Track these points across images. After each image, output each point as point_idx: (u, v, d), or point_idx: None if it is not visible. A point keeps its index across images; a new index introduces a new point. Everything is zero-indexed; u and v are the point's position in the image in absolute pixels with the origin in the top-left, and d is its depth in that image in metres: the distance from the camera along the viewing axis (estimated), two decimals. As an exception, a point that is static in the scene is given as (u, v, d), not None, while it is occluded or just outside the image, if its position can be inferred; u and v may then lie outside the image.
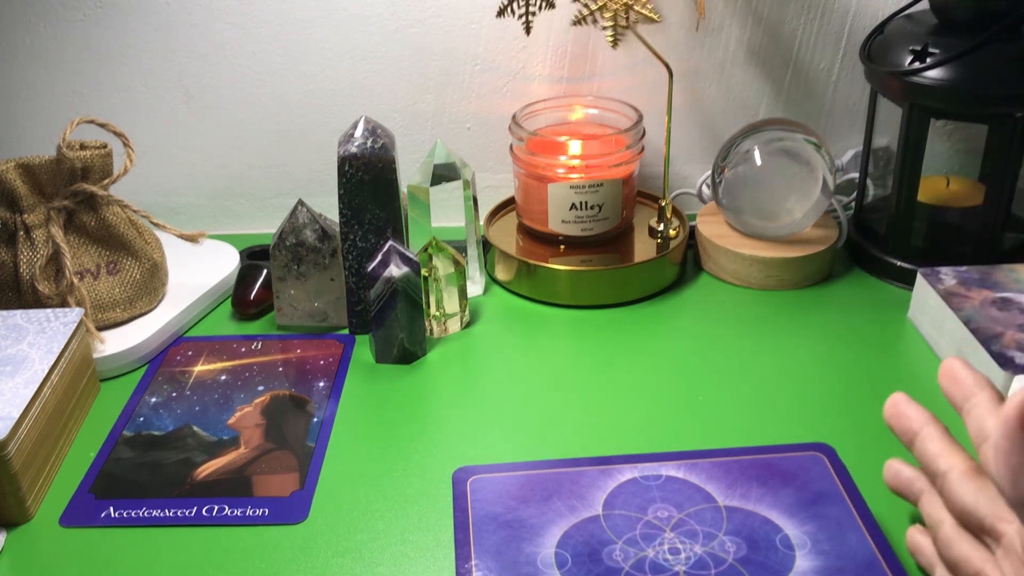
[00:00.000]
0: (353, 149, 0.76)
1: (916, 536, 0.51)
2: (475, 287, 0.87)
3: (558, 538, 0.52)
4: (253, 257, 0.90)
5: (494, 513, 0.56)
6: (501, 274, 0.88)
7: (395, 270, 0.74)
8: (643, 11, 0.79)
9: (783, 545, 0.49)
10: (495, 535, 0.54)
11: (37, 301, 0.75)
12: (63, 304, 0.75)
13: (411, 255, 0.75)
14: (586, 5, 0.79)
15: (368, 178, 0.76)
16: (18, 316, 0.72)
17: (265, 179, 0.98)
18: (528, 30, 0.81)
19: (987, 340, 0.69)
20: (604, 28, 0.80)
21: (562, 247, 0.88)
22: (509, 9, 0.81)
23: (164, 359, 0.79)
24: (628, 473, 0.57)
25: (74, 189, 0.76)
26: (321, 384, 0.75)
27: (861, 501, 0.54)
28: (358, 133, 0.76)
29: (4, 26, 0.91)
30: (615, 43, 0.80)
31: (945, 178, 0.93)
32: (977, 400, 0.44)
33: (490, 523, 0.55)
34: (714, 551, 0.49)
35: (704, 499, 0.53)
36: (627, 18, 0.80)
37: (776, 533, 0.49)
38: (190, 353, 0.80)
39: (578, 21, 0.80)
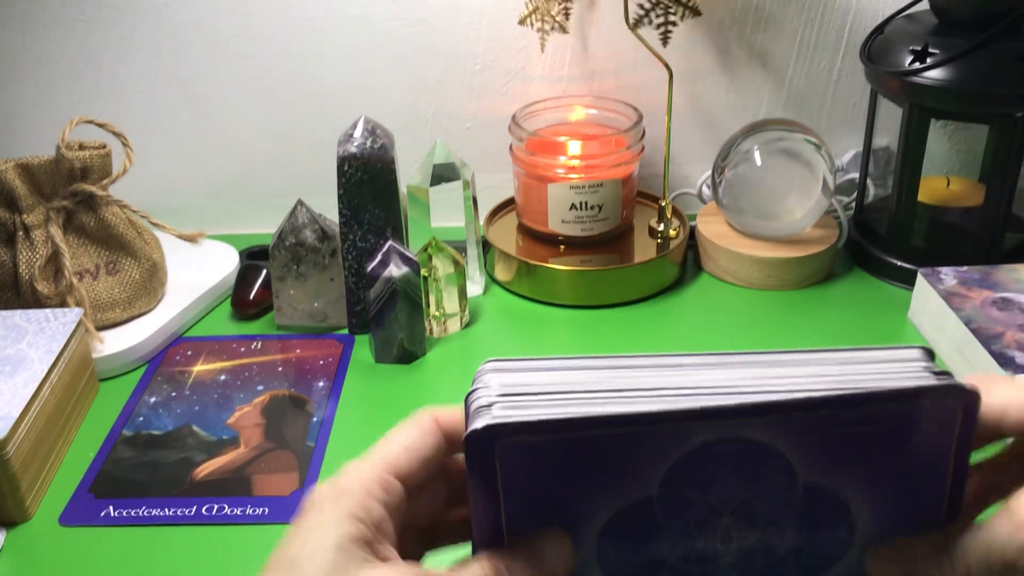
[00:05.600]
0: (352, 149, 0.76)
1: None
2: (475, 287, 0.86)
3: (601, 527, 0.39)
4: (252, 257, 0.90)
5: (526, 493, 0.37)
6: (501, 274, 0.88)
7: (395, 270, 0.74)
8: (557, 20, 0.82)
9: (847, 532, 0.39)
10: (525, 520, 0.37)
11: (36, 301, 0.75)
12: (62, 304, 0.75)
13: (411, 255, 0.75)
14: (526, 5, 0.82)
15: (367, 178, 0.76)
16: (17, 316, 0.72)
17: (264, 179, 0.98)
18: (547, 34, 0.83)
19: (987, 340, 0.69)
20: (539, 31, 0.83)
21: (562, 247, 0.88)
22: (529, 20, 0.83)
23: (163, 359, 0.79)
24: (702, 436, 0.39)
25: (73, 189, 0.76)
26: (321, 384, 0.75)
27: None
28: (357, 133, 0.76)
29: (3, 26, 0.91)
30: (542, 47, 0.83)
31: (945, 178, 0.93)
32: None
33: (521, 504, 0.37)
34: (770, 540, 0.39)
35: (779, 469, 0.39)
36: (554, 19, 0.82)
37: (844, 518, 0.39)
38: (189, 353, 0.79)
39: (523, 20, 0.83)
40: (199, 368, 0.77)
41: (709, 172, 0.96)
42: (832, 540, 0.39)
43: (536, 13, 0.83)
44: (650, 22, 0.82)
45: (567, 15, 0.84)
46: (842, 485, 0.39)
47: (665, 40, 0.82)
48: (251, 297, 0.84)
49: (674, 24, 0.82)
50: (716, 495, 0.39)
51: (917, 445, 0.39)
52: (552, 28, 0.83)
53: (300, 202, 0.80)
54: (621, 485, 0.38)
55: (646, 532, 0.39)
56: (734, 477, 0.39)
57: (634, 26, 0.81)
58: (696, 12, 0.81)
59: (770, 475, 0.39)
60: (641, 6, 0.81)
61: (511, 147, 0.88)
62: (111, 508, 0.63)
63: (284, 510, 0.62)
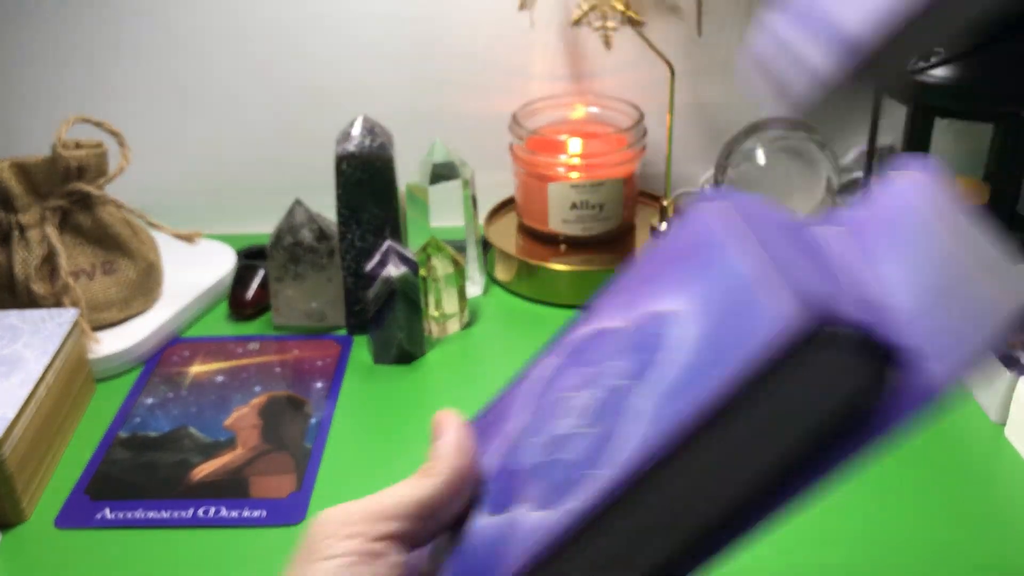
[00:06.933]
0: (351, 148, 0.75)
1: None
2: (474, 287, 0.86)
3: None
4: (250, 257, 0.89)
5: None
6: (501, 274, 0.87)
7: (393, 270, 0.73)
8: (628, 12, 0.80)
9: (671, 327, 0.35)
10: None
11: (32, 301, 0.74)
12: (58, 304, 0.75)
13: (410, 255, 0.75)
14: (579, 6, 0.80)
15: (366, 177, 0.76)
16: (13, 316, 0.72)
17: (262, 178, 0.98)
18: (607, 44, 0.82)
19: (992, 340, 0.68)
20: (596, 29, 0.81)
21: (562, 247, 0.87)
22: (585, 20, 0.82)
23: (160, 360, 0.78)
24: (547, 364, 0.44)
25: (69, 189, 0.75)
26: (319, 385, 0.74)
27: None
28: (356, 132, 0.76)
29: (1, 25, 0.90)
30: (608, 43, 0.81)
31: (949, 177, 0.92)
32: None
33: None
34: (608, 382, 0.36)
35: (604, 337, 0.40)
36: (615, 19, 0.81)
37: (663, 320, 0.35)
38: (186, 354, 0.79)
39: (577, 21, 0.81)
40: (196, 369, 0.77)
41: (711, 171, 0.95)
42: (664, 344, 0.35)
43: (596, 10, 0.81)
44: (589, 23, 0.81)
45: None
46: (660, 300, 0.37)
47: (607, 43, 0.82)
48: (248, 297, 0.83)
49: (613, 28, 0.82)
50: (561, 391, 0.40)
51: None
52: (623, 22, 0.82)
53: (298, 201, 0.79)
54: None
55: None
56: (574, 369, 0.41)
57: (574, 24, 0.81)
58: (637, 22, 0.81)
59: (596, 346, 0.40)
60: (579, 6, 0.81)
61: (511, 146, 0.87)
62: (107, 510, 0.62)
63: (281, 512, 0.61)
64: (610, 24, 0.82)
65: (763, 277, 0.31)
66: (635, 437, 0.32)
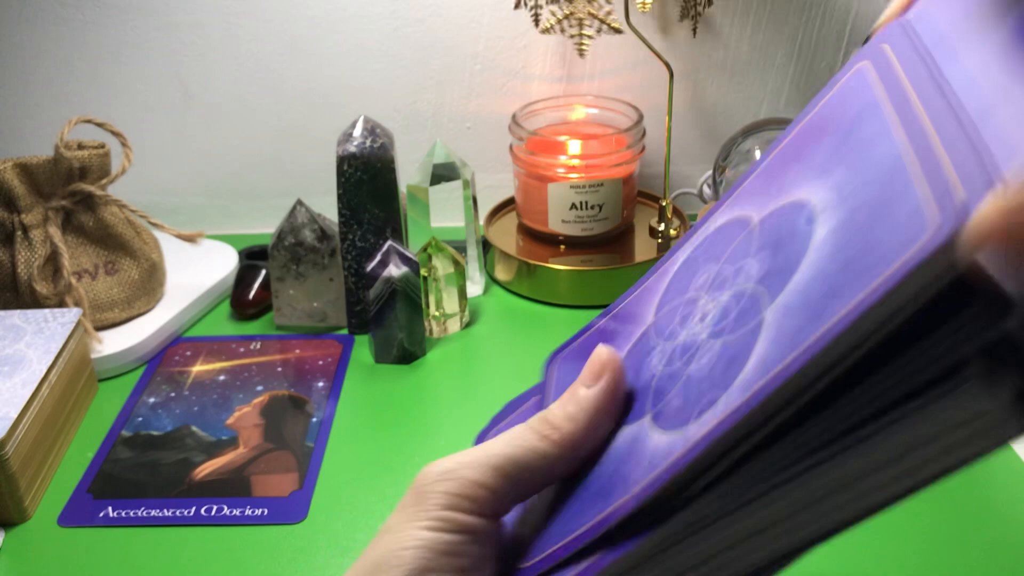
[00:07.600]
0: (352, 148, 0.75)
1: None
2: (475, 287, 0.86)
3: None
4: (252, 257, 0.89)
5: None
6: (501, 274, 0.88)
7: (394, 270, 0.74)
8: (607, 20, 0.79)
9: (806, 222, 0.30)
10: None
11: (35, 301, 0.75)
12: (61, 304, 0.75)
13: (410, 255, 0.75)
14: (553, 13, 0.80)
15: (367, 178, 0.76)
16: (16, 316, 0.72)
17: (264, 179, 0.98)
18: (581, 52, 0.81)
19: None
20: (572, 36, 0.80)
21: (562, 247, 0.88)
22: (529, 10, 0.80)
23: (162, 359, 0.79)
24: (681, 256, 0.39)
25: (72, 189, 0.76)
26: (320, 384, 0.75)
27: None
28: (357, 132, 0.76)
29: (3, 26, 0.91)
30: (582, 52, 0.80)
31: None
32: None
33: None
34: (738, 286, 0.32)
35: (741, 228, 0.35)
36: (592, 27, 0.80)
37: (800, 213, 0.31)
38: (188, 353, 0.79)
39: (547, 29, 0.80)
40: (198, 368, 0.77)
41: (710, 172, 0.96)
42: (793, 245, 0.30)
43: (570, 19, 0.80)
44: (563, 31, 0.81)
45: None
46: (791, 191, 0.32)
47: (581, 52, 0.81)
48: (250, 297, 0.84)
49: (590, 37, 0.81)
50: (694, 288, 0.35)
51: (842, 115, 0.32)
52: (600, 31, 0.80)
53: (299, 202, 0.80)
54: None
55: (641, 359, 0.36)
56: (707, 262, 0.36)
57: (543, 32, 0.80)
58: (616, 30, 0.80)
59: (730, 238, 0.35)
60: (553, 13, 0.80)
61: (511, 147, 0.87)
62: (110, 509, 0.62)
63: (283, 511, 0.62)
64: (587, 32, 0.81)
65: (920, 166, 0.25)
66: (755, 359, 0.27)
